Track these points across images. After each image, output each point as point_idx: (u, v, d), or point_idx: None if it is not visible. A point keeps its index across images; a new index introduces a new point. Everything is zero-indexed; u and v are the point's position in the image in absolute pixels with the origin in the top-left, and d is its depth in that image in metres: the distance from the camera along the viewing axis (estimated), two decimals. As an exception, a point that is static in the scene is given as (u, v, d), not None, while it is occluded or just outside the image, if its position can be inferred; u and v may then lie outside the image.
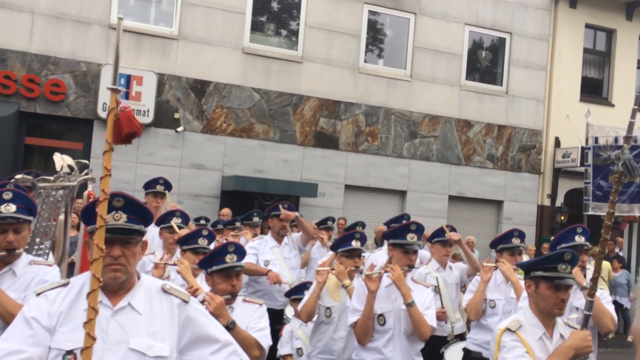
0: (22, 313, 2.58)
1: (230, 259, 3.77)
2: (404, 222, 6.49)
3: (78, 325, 2.50)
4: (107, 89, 2.53)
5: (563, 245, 4.56)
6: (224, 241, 6.81)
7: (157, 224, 5.79)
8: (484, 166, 14.94)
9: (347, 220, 11.13)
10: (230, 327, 3.51)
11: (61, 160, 4.16)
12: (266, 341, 3.68)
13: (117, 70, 2.57)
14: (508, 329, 3.38)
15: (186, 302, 2.70)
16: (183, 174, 12.43)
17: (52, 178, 4.10)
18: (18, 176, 4.08)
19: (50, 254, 4.06)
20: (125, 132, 2.51)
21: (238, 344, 2.87)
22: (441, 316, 5.86)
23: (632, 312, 1.30)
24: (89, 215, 2.68)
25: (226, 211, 10.35)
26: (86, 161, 4.34)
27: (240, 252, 3.88)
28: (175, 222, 5.57)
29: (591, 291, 3.48)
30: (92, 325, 2.40)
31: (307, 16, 13.54)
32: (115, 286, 2.60)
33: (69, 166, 4.22)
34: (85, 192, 4.31)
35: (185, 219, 5.83)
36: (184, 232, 5.43)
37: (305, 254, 6.98)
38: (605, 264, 12.40)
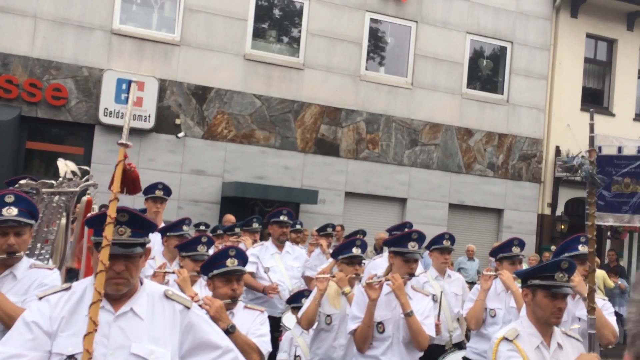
0: (23, 317, 2.58)
1: (231, 263, 3.76)
2: (406, 230, 6.49)
3: (79, 330, 2.51)
4: (117, 144, 2.69)
5: (566, 254, 4.54)
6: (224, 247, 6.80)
7: (161, 231, 5.80)
8: (485, 174, 14.95)
9: (347, 228, 11.12)
10: (230, 330, 3.49)
11: (65, 166, 4.16)
12: (266, 347, 3.67)
13: (129, 122, 2.71)
14: (505, 338, 3.37)
15: (188, 308, 2.70)
16: (183, 180, 12.43)
17: (55, 183, 4.10)
18: (22, 181, 4.07)
19: (50, 260, 4.05)
20: (128, 191, 2.77)
21: (238, 350, 2.87)
22: (435, 329, 5.78)
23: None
24: (95, 223, 2.69)
25: (231, 218, 10.30)
26: (87, 167, 4.34)
27: (242, 256, 3.87)
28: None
29: (589, 308, 3.46)
30: (91, 339, 2.42)
31: (308, 23, 13.58)
32: (117, 295, 2.62)
33: (73, 172, 4.22)
34: (85, 198, 4.31)
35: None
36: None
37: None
38: (600, 272, 12.37)
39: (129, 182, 2.63)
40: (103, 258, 2.46)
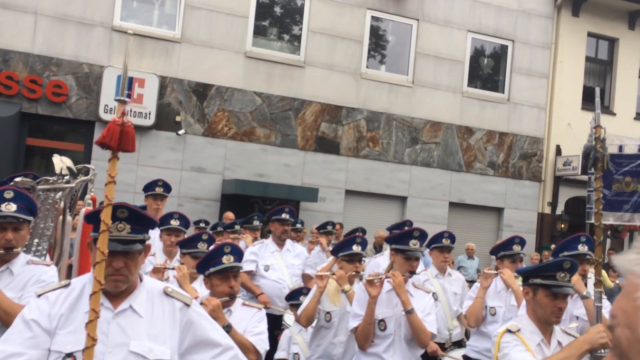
0: (22, 315, 2.56)
1: (227, 260, 3.74)
2: (406, 228, 6.47)
3: (78, 328, 2.49)
4: (115, 100, 2.54)
5: (566, 253, 4.54)
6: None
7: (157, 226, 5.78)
8: (485, 173, 14.94)
9: (347, 226, 11.10)
10: (226, 330, 3.48)
11: (60, 162, 4.14)
12: (263, 346, 3.65)
13: (125, 79, 2.57)
14: (508, 330, 3.39)
15: (188, 305, 2.68)
16: (184, 177, 12.42)
17: (51, 179, 4.08)
18: (18, 179, 4.06)
19: (48, 256, 4.04)
20: (121, 147, 2.47)
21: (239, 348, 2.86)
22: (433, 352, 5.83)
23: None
24: (94, 219, 2.67)
25: (231, 215, 10.29)
26: (91, 166, 4.32)
27: (237, 252, 3.85)
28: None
29: (596, 280, 3.52)
30: (94, 326, 2.39)
31: (309, 21, 13.56)
32: (116, 292, 2.60)
33: (69, 169, 4.20)
34: (88, 196, 4.29)
35: (184, 221, 5.82)
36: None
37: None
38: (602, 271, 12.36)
39: (124, 137, 2.47)
40: (101, 245, 2.42)
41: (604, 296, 4.83)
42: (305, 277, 7.09)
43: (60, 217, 4.02)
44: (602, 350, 3.26)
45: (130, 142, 2.45)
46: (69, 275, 4.09)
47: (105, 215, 2.43)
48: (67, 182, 4.06)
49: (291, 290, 6.43)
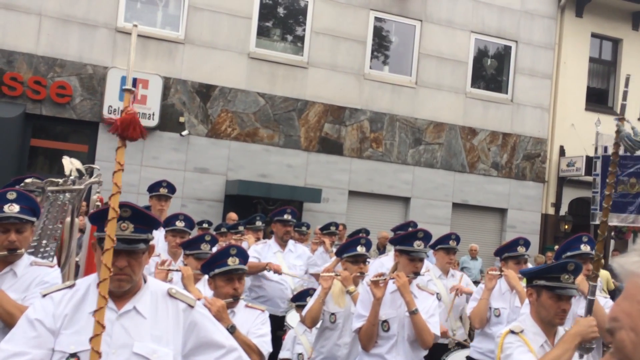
0: (27, 315, 2.57)
1: (233, 262, 3.74)
2: (410, 229, 6.47)
3: (82, 328, 2.49)
4: (122, 90, 2.52)
5: (568, 253, 4.53)
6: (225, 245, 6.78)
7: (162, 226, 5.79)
8: (488, 174, 14.92)
9: (350, 227, 11.10)
10: (230, 331, 3.48)
11: (70, 164, 4.15)
12: (266, 347, 3.65)
13: (130, 74, 2.56)
14: (512, 331, 3.39)
15: (192, 306, 2.68)
16: (187, 178, 12.44)
17: (60, 181, 4.09)
18: (28, 180, 4.06)
19: (56, 257, 4.05)
20: (126, 134, 2.46)
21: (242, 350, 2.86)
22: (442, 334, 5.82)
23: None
24: (98, 219, 2.67)
25: (234, 216, 10.31)
26: (96, 166, 4.33)
27: (243, 255, 3.86)
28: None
29: (593, 274, 3.51)
30: (98, 341, 2.39)
31: (313, 22, 13.56)
32: (120, 292, 2.60)
33: (78, 170, 4.21)
34: (95, 197, 4.30)
35: (189, 222, 5.83)
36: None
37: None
38: (604, 273, 12.33)
39: (127, 124, 2.41)
40: (106, 261, 2.41)
41: (606, 295, 4.83)
42: (316, 277, 7.07)
43: (68, 219, 4.02)
44: (592, 342, 3.31)
45: (138, 131, 2.44)
46: (76, 276, 4.10)
47: (110, 230, 2.42)
48: (73, 183, 4.07)
49: (294, 291, 6.43)
